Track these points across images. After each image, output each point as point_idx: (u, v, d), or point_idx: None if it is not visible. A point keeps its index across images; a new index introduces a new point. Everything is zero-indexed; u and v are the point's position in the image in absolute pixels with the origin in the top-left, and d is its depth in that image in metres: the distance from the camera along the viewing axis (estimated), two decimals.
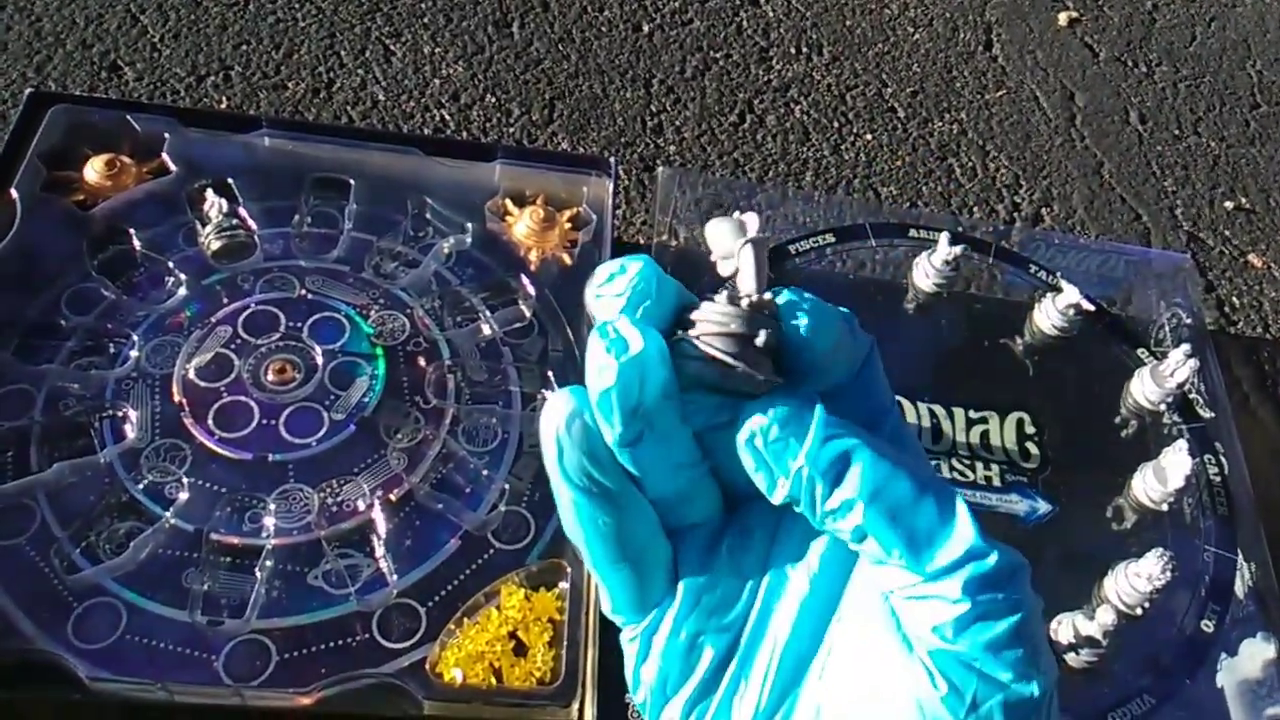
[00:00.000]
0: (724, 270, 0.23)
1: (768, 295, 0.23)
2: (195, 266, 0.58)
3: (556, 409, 0.22)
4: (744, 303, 0.22)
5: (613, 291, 0.22)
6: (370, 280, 0.60)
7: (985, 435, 0.61)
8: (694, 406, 0.22)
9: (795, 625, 0.23)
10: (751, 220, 0.23)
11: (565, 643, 0.48)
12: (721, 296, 0.22)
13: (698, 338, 0.22)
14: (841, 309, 0.24)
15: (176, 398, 0.53)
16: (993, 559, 0.21)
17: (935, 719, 0.21)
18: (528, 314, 0.60)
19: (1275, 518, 0.61)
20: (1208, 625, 0.56)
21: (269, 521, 0.50)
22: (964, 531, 0.21)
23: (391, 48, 0.83)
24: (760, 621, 0.24)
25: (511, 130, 0.79)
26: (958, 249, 0.65)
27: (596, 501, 0.23)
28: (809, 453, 0.21)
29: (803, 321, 0.23)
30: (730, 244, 0.23)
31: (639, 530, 0.23)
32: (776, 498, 0.22)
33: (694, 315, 0.22)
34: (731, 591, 0.24)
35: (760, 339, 0.22)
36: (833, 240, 0.69)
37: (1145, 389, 0.63)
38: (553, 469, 0.23)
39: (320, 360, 0.56)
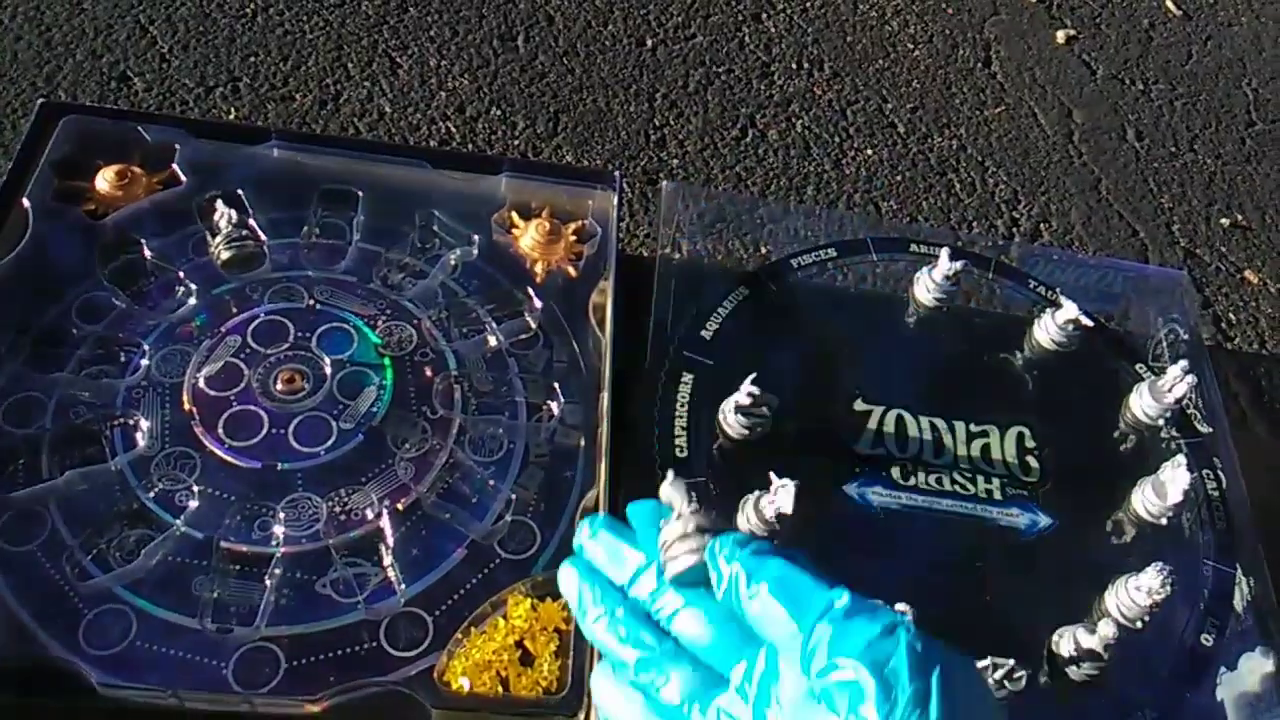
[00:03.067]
0: (676, 508, 0.35)
1: (694, 505, 0.35)
2: (205, 276, 0.59)
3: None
4: (684, 515, 0.35)
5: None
6: (378, 291, 0.61)
7: (986, 449, 0.62)
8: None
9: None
10: (669, 475, 0.36)
11: (571, 652, 0.49)
12: (672, 520, 0.35)
13: (669, 549, 0.34)
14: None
15: (187, 406, 0.54)
16: (845, 599, 0.29)
17: None
18: (533, 325, 0.61)
19: (1273, 532, 0.62)
20: (1207, 639, 0.56)
21: (278, 530, 0.50)
22: (828, 591, 0.30)
23: (398, 60, 0.83)
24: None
25: (517, 143, 0.80)
26: (958, 264, 0.65)
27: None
28: (739, 556, 0.32)
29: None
30: (667, 493, 0.36)
31: (666, 710, 0.33)
32: (720, 592, 0.32)
33: (661, 537, 0.35)
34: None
35: (703, 525, 0.34)
36: (834, 254, 0.69)
37: (1144, 404, 0.64)
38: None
39: (329, 370, 0.56)
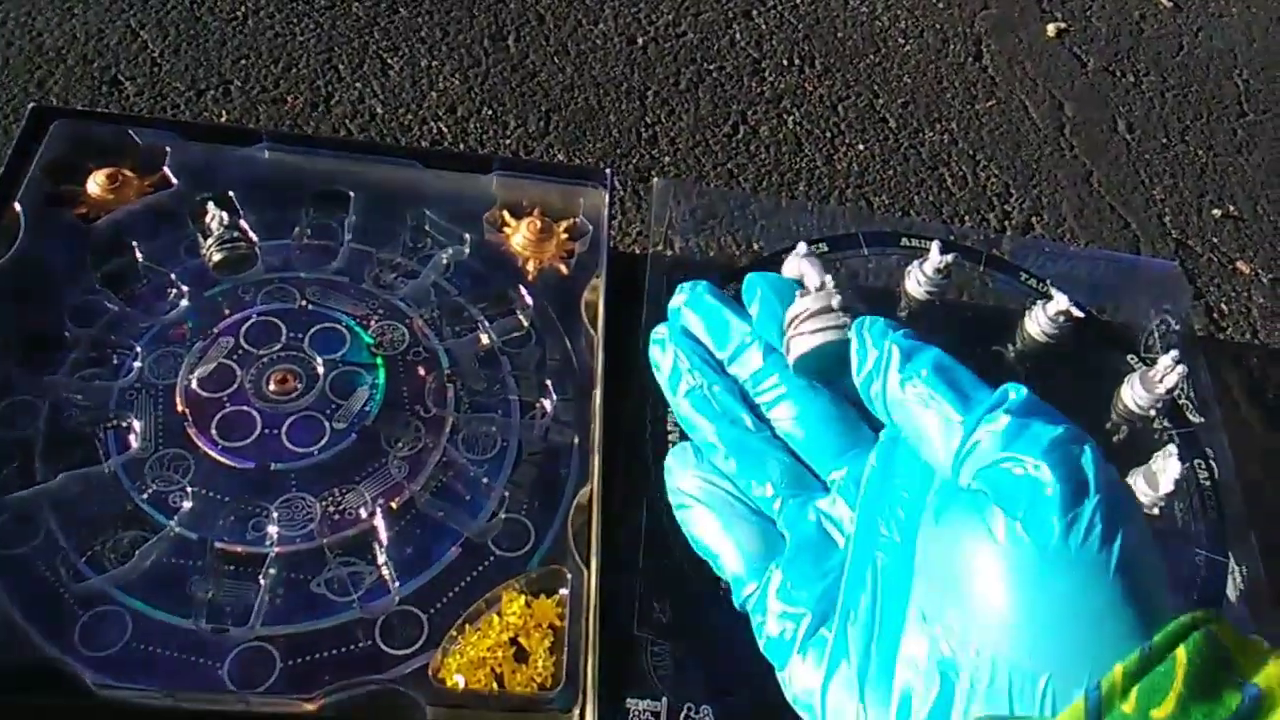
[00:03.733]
0: (807, 283, 0.32)
1: (829, 279, 0.31)
2: (197, 278, 0.59)
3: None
4: (817, 290, 0.31)
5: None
6: (370, 291, 0.61)
7: None
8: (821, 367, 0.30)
9: (886, 560, 0.26)
10: (800, 247, 0.33)
11: (566, 648, 0.49)
12: (801, 294, 0.31)
13: (798, 325, 0.30)
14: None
15: (179, 408, 0.54)
16: (1023, 390, 0.26)
17: (1021, 545, 0.22)
18: (525, 323, 0.61)
19: (1266, 522, 0.62)
20: None
21: (272, 530, 0.50)
22: (1000, 388, 0.26)
23: (389, 61, 0.84)
24: (856, 562, 0.27)
25: (508, 142, 0.80)
26: (949, 257, 0.65)
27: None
28: (892, 338, 0.28)
29: None
30: (794, 267, 0.32)
31: (754, 502, 0.29)
32: (862, 372, 0.28)
33: (789, 313, 0.30)
34: (827, 545, 0.28)
35: (835, 303, 0.30)
36: (826, 249, 0.70)
37: (1135, 395, 0.64)
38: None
39: (321, 370, 0.56)
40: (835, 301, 0.29)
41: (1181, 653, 0.20)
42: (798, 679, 0.26)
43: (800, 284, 0.31)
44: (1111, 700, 0.19)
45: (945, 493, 0.25)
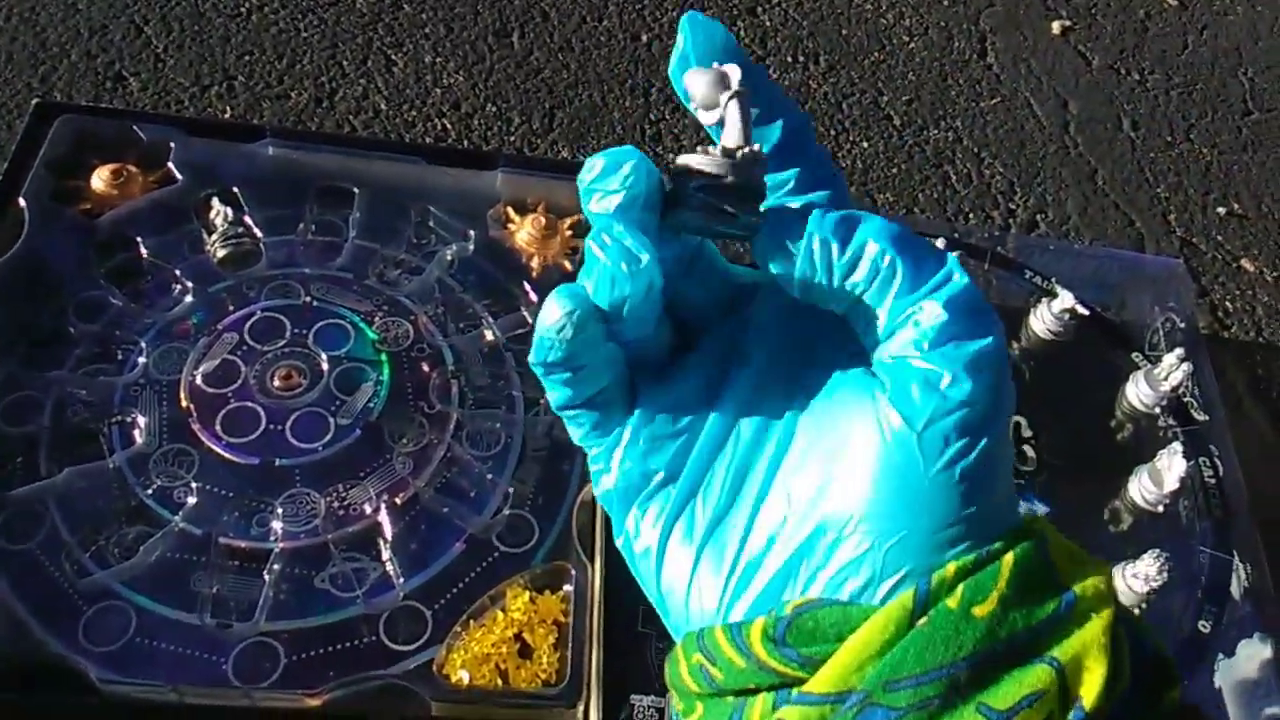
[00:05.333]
0: (705, 120, 0.24)
1: (755, 145, 0.23)
2: (201, 274, 0.59)
3: (556, 308, 0.23)
4: (739, 155, 0.22)
5: (607, 188, 0.23)
6: (374, 287, 0.61)
7: None
8: (671, 244, 0.24)
9: (755, 424, 0.24)
10: (734, 72, 0.23)
11: (570, 644, 0.49)
12: (715, 149, 0.23)
13: (695, 190, 0.22)
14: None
15: (184, 403, 0.54)
16: (967, 281, 0.22)
17: (896, 439, 0.21)
18: (529, 320, 0.61)
19: (1269, 519, 0.62)
20: (1205, 626, 0.57)
21: (276, 525, 0.50)
22: (947, 258, 0.23)
23: (393, 58, 0.83)
24: (720, 423, 0.25)
25: (512, 139, 0.80)
26: (954, 255, 0.65)
27: (573, 373, 0.24)
28: (815, 220, 0.22)
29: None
30: (713, 95, 0.23)
31: (608, 375, 0.24)
32: (794, 286, 0.23)
33: (690, 167, 0.23)
34: (686, 398, 0.25)
35: (752, 184, 0.23)
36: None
37: (1140, 392, 0.64)
38: (540, 356, 0.23)
39: (326, 366, 0.56)
40: (753, 183, 0.23)
41: (1009, 557, 0.21)
42: (639, 537, 0.25)
43: (716, 125, 0.24)
44: (939, 594, 0.21)
45: (849, 370, 0.24)
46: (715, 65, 0.24)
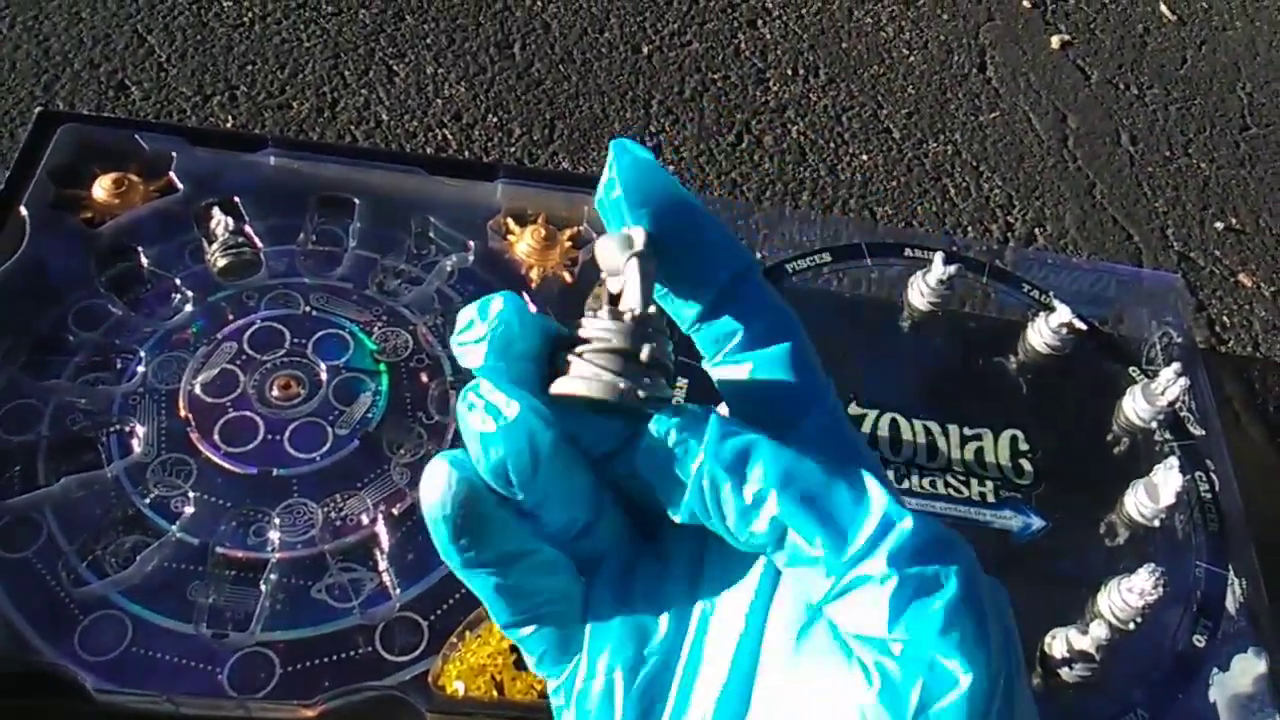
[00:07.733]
0: (612, 287, 0.22)
1: (652, 309, 0.21)
2: (201, 283, 0.59)
3: (435, 484, 0.19)
4: (627, 317, 0.20)
5: (473, 337, 0.20)
6: (374, 297, 0.61)
7: (979, 452, 0.62)
8: (594, 432, 0.21)
9: (734, 660, 0.21)
10: (638, 235, 0.21)
11: None
12: (604, 312, 0.21)
13: (580, 356, 0.20)
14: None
15: (182, 413, 0.54)
16: (908, 523, 0.19)
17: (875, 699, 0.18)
18: None
19: (1265, 534, 0.62)
20: (1199, 640, 0.57)
21: (273, 535, 0.51)
22: (878, 502, 0.19)
23: (395, 68, 0.84)
24: (693, 658, 0.21)
25: (513, 150, 0.80)
26: (952, 268, 0.66)
27: (495, 570, 0.20)
28: (708, 450, 0.19)
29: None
30: (617, 260, 0.21)
31: (548, 582, 0.21)
32: (679, 514, 0.20)
33: (579, 332, 0.21)
34: (649, 624, 0.22)
35: (644, 353, 0.20)
36: (829, 259, 0.70)
37: (1137, 407, 0.64)
38: (443, 548, 0.20)
39: (324, 376, 0.57)
40: (645, 351, 0.20)
41: None
42: None
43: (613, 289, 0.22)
44: None
45: (830, 669, 0.20)
46: (624, 229, 0.22)
